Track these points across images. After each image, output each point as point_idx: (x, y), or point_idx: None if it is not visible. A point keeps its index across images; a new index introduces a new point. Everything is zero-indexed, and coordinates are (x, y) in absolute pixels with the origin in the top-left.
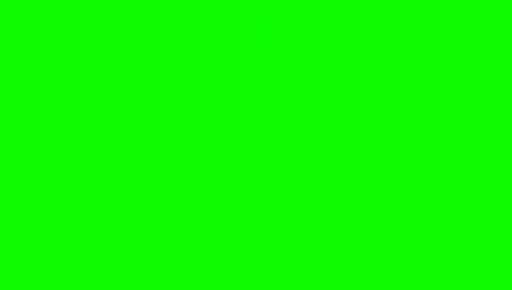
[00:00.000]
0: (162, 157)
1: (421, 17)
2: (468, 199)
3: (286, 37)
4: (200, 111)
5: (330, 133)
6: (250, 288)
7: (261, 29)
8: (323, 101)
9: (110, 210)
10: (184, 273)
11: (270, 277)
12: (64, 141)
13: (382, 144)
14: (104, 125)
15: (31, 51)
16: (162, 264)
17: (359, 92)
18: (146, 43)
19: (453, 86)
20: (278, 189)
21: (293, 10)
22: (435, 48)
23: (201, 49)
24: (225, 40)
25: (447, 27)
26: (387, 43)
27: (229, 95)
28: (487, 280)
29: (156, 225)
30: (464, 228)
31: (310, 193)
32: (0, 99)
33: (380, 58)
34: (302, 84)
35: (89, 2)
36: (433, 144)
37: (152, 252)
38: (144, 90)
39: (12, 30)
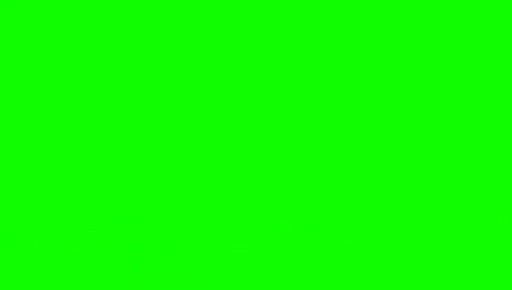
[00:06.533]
0: (161, 157)
1: (421, 17)
2: (469, 199)
3: (286, 37)
4: (200, 111)
5: (330, 133)
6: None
7: (261, 30)
8: (323, 101)
9: (110, 210)
10: (183, 273)
11: (268, 276)
12: (64, 140)
13: (382, 144)
14: (104, 125)
15: (31, 51)
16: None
17: (359, 92)
18: (146, 43)
19: (453, 86)
20: (276, 189)
21: (293, 10)
22: (435, 48)
23: (201, 49)
24: (225, 40)
25: (447, 27)
26: (387, 43)
27: (229, 95)
28: (486, 279)
29: (155, 224)
30: (464, 228)
31: (309, 192)
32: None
33: (380, 58)
34: (302, 85)
35: (89, 2)
36: (433, 144)
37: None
38: (144, 90)
39: (12, 30)
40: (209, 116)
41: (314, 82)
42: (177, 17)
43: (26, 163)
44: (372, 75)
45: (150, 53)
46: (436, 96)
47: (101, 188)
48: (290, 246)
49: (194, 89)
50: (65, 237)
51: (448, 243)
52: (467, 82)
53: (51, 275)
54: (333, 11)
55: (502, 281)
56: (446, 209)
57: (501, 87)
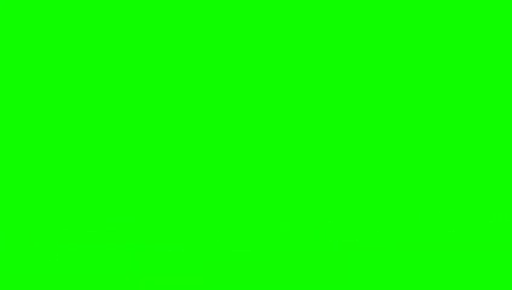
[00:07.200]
0: (161, 157)
1: (421, 17)
2: (468, 199)
3: (286, 37)
4: (200, 111)
5: (330, 133)
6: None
7: (261, 29)
8: (323, 101)
9: (110, 210)
10: (183, 273)
11: (269, 277)
12: (64, 141)
13: (382, 144)
14: (104, 125)
15: (31, 51)
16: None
17: (359, 92)
18: (146, 43)
19: (452, 86)
20: (276, 189)
21: (293, 10)
22: (435, 48)
23: (201, 49)
24: (225, 40)
25: (447, 27)
26: (387, 43)
27: (229, 95)
28: (486, 279)
29: (155, 224)
30: (464, 227)
31: (309, 193)
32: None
33: (380, 58)
34: (302, 84)
35: (89, 2)
36: (433, 144)
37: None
38: (144, 91)
39: (12, 30)
40: (209, 116)
41: (314, 82)
42: (177, 17)
43: (26, 163)
44: (372, 75)
45: (150, 53)
46: (436, 96)
47: (101, 188)
48: (290, 246)
49: (194, 89)
50: (65, 237)
51: (448, 243)
52: (467, 82)
53: (51, 275)
54: (333, 11)
55: (502, 281)
56: (446, 209)
57: (501, 87)
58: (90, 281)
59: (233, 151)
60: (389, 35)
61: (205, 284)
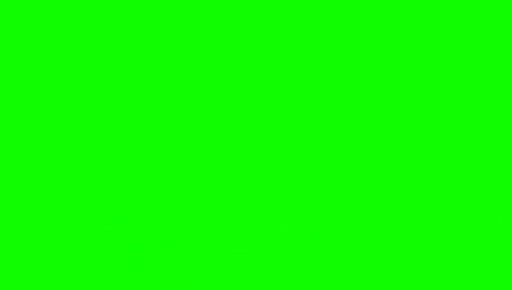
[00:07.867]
0: (161, 158)
1: (421, 17)
2: (468, 199)
3: (286, 37)
4: (200, 111)
5: (330, 133)
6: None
7: (261, 29)
8: (323, 101)
9: (110, 210)
10: (183, 273)
11: (269, 277)
12: (64, 141)
13: (382, 144)
14: (104, 125)
15: (31, 51)
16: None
17: (359, 92)
18: (146, 43)
19: (452, 86)
20: (276, 189)
21: (293, 10)
22: (435, 48)
23: (201, 49)
24: (225, 40)
25: (447, 27)
26: (387, 43)
27: (229, 95)
28: (486, 279)
29: (155, 224)
30: (464, 228)
31: (310, 193)
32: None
33: (380, 58)
34: (302, 84)
35: (89, 2)
36: (433, 144)
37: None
38: (144, 91)
39: (12, 30)
40: (209, 116)
41: (314, 82)
42: (177, 17)
43: (26, 163)
44: (372, 75)
45: (150, 53)
46: (436, 97)
47: (101, 188)
48: (290, 246)
49: (194, 89)
50: (65, 237)
51: (448, 243)
52: (467, 82)
53: (51, 275)
54: (333, 11)
55: (502, 281)
56: (446, 209)
57: (501, 87)
58: (90, 281)
59: (233, 151)
60: (389, 36)
61: (205, 284)
